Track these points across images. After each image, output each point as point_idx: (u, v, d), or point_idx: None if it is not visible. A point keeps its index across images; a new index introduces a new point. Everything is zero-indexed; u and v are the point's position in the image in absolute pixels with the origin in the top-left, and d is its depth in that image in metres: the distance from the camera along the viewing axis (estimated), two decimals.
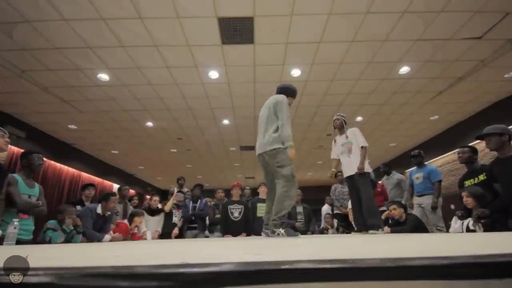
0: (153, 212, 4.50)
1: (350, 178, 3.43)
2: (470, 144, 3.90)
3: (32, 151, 2.87)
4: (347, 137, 3.48)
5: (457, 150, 3.25)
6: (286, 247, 0.96)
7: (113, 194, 3.77)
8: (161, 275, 0.42)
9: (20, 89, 5.15)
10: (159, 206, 4.65)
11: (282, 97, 2.65)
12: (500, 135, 2.51)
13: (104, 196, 3.55)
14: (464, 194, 2.77)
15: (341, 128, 3.57)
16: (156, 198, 4.70)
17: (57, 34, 3.84)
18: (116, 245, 1.75)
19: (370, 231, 3.03)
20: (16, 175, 2.71)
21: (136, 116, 6.59)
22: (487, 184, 2.73)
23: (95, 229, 3.35)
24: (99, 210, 3.43)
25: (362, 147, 3.31)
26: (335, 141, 3.66)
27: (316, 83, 5.32)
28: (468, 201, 2.72)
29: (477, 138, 2.71)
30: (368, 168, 3.31)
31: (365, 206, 3.20)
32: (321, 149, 9.50)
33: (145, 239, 3.97)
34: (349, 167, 3.41)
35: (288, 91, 2.79)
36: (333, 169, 3.57)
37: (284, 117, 2.53)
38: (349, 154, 3.42)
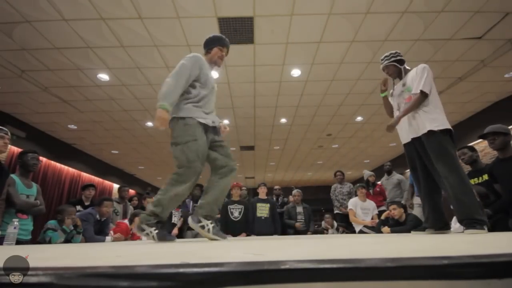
0: None
1: (409, 145, 2.30)
2: (469, 145, 3.89)
3: (27, 151, 2.87)
4: (404, 84, 2.34)
5: (457, 152, 3.19)
6: (286, 247, 0.96)
7: (108, 199, 3.64)
8: (161, 275, 0.42)
9: (20, 89, 5.15)
10: None
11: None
12: (505, 134, 2.50)
13: (98, 201, 3.56)
14: None
15: (398, 74, 2.40)
16: (150, 199, 4.74)
17: (57, 34, 3.84)
18: (116, 245, 1.75)
19: (467, 231, 1.90)
20: (13, 176, 2.72)
21: (136, 116, 6.59)
22: (490, 184, 2.70)
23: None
24: (98, 216, 3.44)
25: (421, 91, 2.15)
26: (391, 94, 2.53)
27: (316, 83, 5.32)
28: None
29: (480, 137, 2.67)
30: (443, 125, 2.11)
31: (451, 188, 1.98)
32: (321, 149, 9.50)
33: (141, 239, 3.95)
34: (405, 129, 2.32)
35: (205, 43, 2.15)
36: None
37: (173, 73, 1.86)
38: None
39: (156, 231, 1.70)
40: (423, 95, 2.15)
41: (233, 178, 1.96)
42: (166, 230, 1.77)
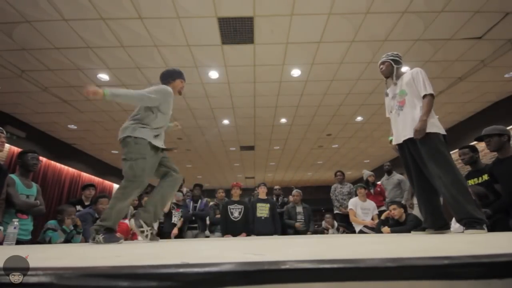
0: None
1: (402, 147, 2.33)
2: (470, 144, 3.88)
3: (27, 151, 2.88)
4: (398, 87, 2.39)
5: (458, 151, 3.21)
6: (286, 247, 0.96)
7: (102, 196, 3.62)
8: (161, 275, 0.42)
9: (20, 89, 5.15)
10: None
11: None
12: (499, 135, 2.51)
13: (94, 200, 3.56)
14: None
15: (391, 73, 2.45)
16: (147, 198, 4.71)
17: (57, 34, 3.84)
18: (116, 245, 1.75)
19: (467, 231, 1.89)
20: (13, 176, 2.71)
21: None
22: (490, 184, 2.70)
23: None
24: (96, 214, 3.44)
25: (424, 95, 2.17)
26: (386, 94, 2.55)
27: (316, 83, 5.32)
28: None
29: (476, 140, 2.71)
30: (435, 127, 2.14)
31: (445, 188, 2.00)
32: (321, 149, 9.50)
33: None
34: (397, 130, 2.34)
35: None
36: (391, 137, 2.48)
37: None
38: (399, 111, 2.31)
39: (103, 236, 1.88)
40: (432, 97, 2.17)
41: (177, 183, 2.30)
42: (114, 234, 1.96)
